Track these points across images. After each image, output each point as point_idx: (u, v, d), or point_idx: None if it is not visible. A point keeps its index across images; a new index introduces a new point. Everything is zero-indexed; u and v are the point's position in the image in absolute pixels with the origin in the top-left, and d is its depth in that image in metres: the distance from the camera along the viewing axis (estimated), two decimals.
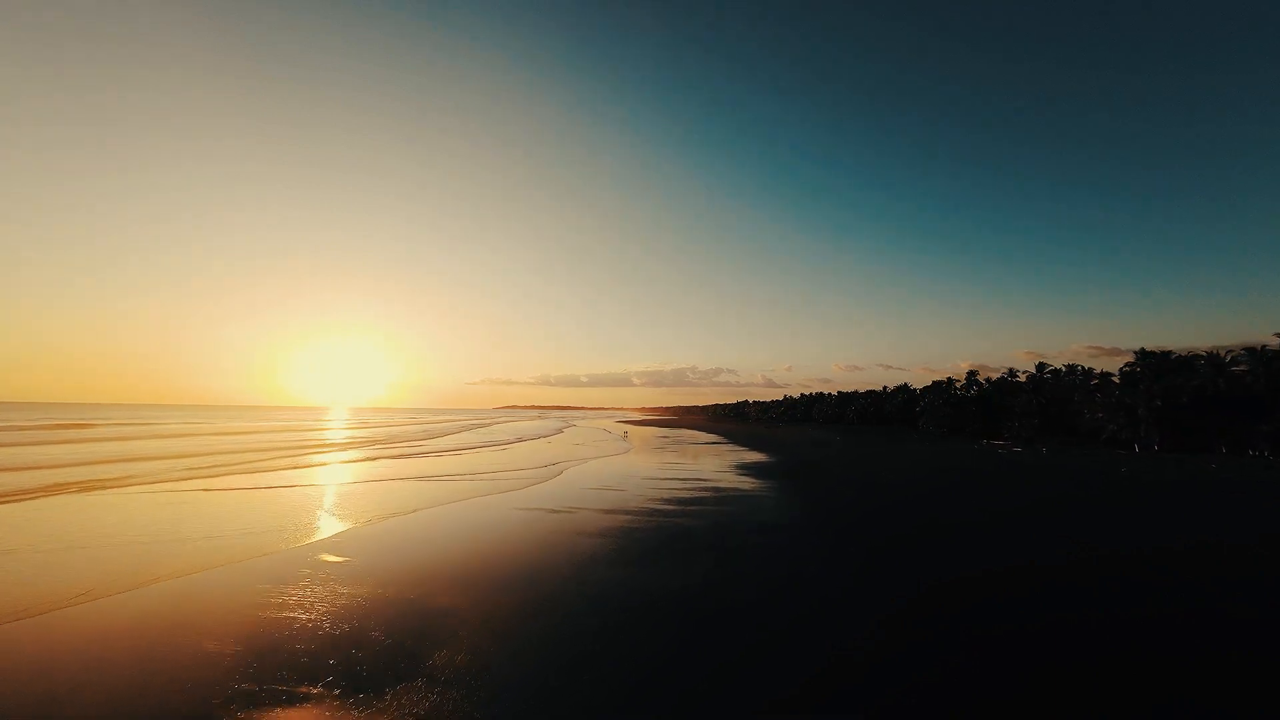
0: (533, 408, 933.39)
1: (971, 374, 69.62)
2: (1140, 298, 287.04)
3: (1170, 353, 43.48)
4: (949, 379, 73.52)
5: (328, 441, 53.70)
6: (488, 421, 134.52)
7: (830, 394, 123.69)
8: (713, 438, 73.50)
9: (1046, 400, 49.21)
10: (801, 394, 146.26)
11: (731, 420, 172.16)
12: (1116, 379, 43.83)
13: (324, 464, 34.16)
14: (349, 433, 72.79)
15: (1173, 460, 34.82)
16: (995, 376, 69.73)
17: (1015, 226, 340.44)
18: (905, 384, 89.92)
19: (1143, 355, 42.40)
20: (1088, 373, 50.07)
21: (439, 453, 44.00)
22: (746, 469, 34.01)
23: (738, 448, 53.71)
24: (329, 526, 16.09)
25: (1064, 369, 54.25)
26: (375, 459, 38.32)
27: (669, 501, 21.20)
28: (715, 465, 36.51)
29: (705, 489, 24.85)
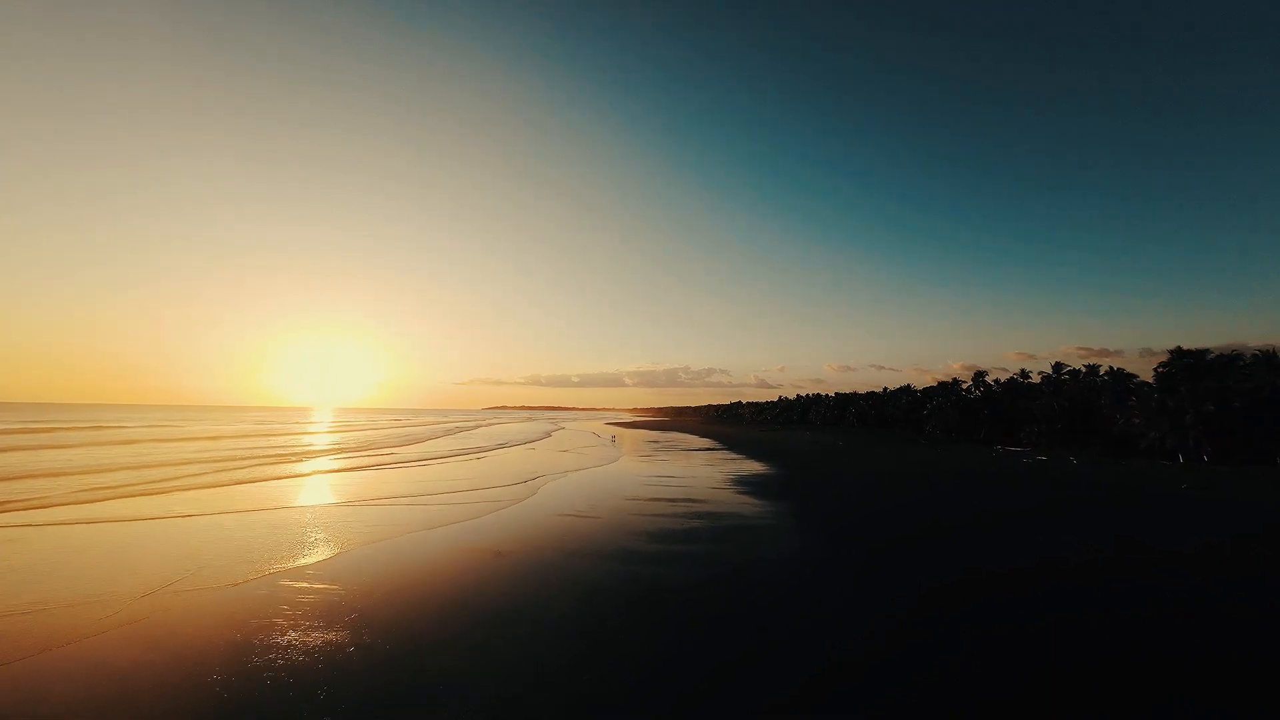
0: (523, 408, 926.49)
1: (979, 374, 65.77)
2: (1131, 300, 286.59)
3: (1207, 351, 39.78)
4: (954, 379, 69.75)
5: (287, 449, 49.04)
6: (473, 424, 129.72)
7: (828, 395, 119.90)
8: (707, 443, 69.36)
9: (1068, 403, 45.33)
10: (798, 395, 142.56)
11: (725, 422, 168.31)
12: (1151, 381, 39.90)
13: (262, 480, 29.65)
14: (318, 438, 68.00)
15: (1237, 474, 30.76)
16: (989, 377, 66.23)
17: (1006, 228, 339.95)
18: (908, 385, 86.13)
19: (1179, 354, 38.57)
20: (1117, 374, 45.99)
21: (407, 463, 39.60)
22: (745, 483, 29.83)
23: (734, 455, 49.57)
24: (193, 587, 11.70)
25: (1084, 369, 50.38)
26: (330, 472, 33.90)
27: (653, 537, 16.97)
28: (710, 478, 32.32)
29: (698, 515, 20.63)
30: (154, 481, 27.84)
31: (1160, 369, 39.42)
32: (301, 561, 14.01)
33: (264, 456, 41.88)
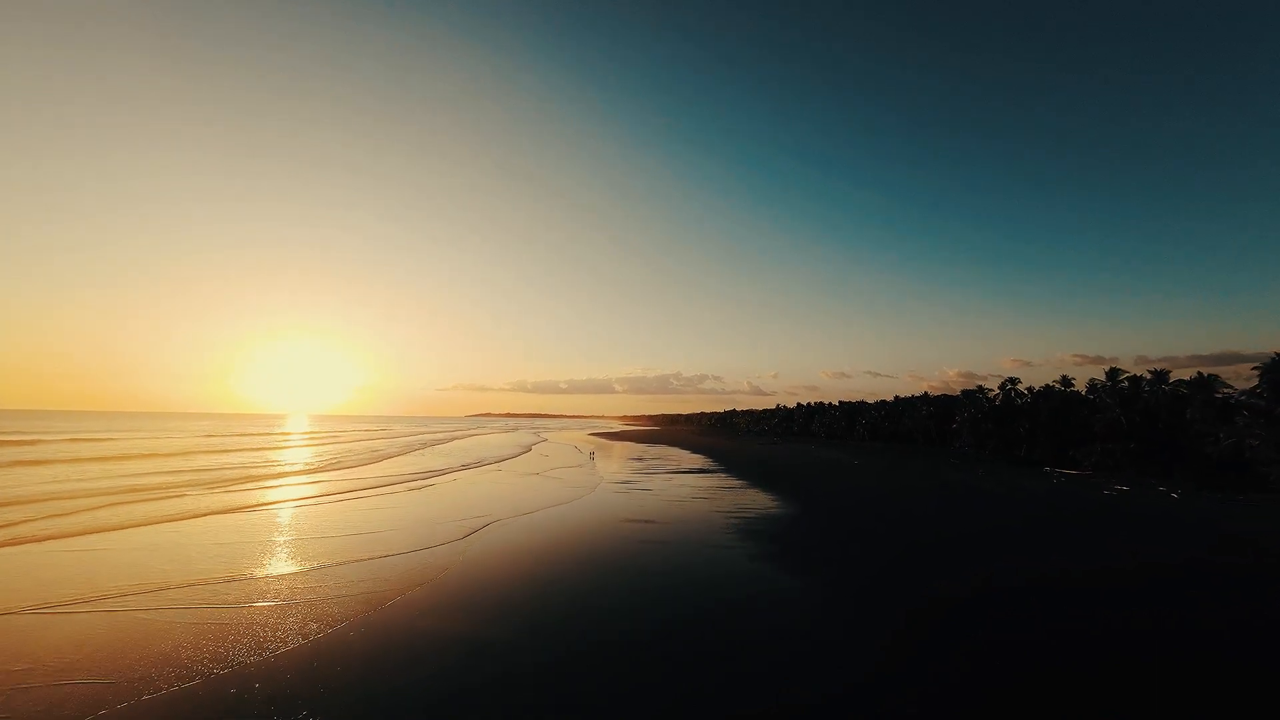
0: (509, 415, 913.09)
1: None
2: (1126, 306, 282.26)
3: None
4: (979, 387, 62.14)
5: (189, 474, 40.28)
6: (448, 435, 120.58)
7: (833, 404, 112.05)
8: (700, 460, 61.24)
9: (1140, 417, 37.69)
10: (798, 404, 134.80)
11: (720, 433, 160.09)
12: (1256, 388, 32.17)
13: (94, 531, 21.14)
14: (249, 455, 58.89)
15: None
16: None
17: (1003, 231, 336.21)
18: (926, 393, 78.50)
19: None
20: (1202, 382, 37.80)
21: (326, 497, 31.43)
22: (754, 536, 21.66)
23: (734, 480, 41.41)
24: None
25: (1149, 375, 42.53)
26: (199, 517, 25.40)
27: (602, 686, 8.72)
28: (706, 524, 24.18)
29: (689, 617, 12.47)
30: None
31: (1267, 373, 31.65)
32: None
33: (147, 488, 33.21)
